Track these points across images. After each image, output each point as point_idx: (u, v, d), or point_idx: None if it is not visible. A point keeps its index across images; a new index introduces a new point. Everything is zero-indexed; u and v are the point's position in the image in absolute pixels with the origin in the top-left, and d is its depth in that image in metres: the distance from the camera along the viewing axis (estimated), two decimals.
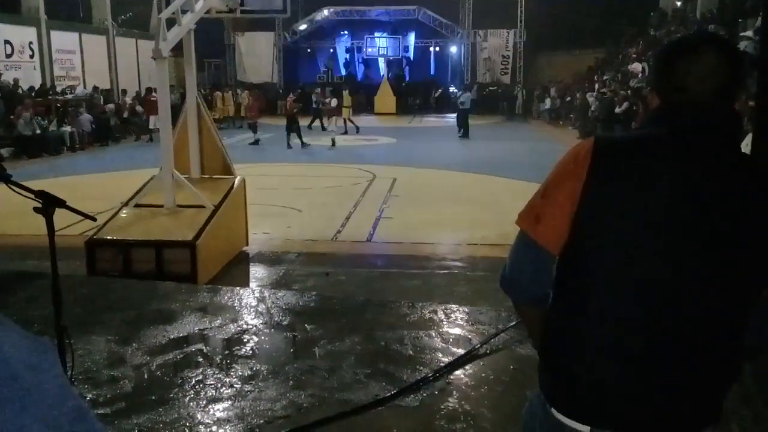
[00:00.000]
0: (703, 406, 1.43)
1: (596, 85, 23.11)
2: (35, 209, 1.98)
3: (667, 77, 1.44)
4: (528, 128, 24.07)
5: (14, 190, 1.82)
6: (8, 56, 18.87)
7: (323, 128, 20.66)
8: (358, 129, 21.64)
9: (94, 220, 2.69)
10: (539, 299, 1.51)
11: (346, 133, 20.98)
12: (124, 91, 23.04)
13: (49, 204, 1.97)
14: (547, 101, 26.77)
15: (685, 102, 1.40)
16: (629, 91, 18.83)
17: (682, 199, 1.34)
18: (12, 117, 16.56)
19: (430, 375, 3.70)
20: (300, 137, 17.76)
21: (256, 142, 18.81)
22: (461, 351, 4.01)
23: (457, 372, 3.78)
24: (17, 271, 6.01)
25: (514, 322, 4.35)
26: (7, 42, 18.78)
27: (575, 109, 23.12)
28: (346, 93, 22.61)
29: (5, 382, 0.59)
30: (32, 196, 1.91)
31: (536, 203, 1.47)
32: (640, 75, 20.53)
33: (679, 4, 25.72)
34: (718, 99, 1.38)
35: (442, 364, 3.83)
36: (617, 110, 18.35)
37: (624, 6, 27.54)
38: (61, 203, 2.00)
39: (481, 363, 3.94)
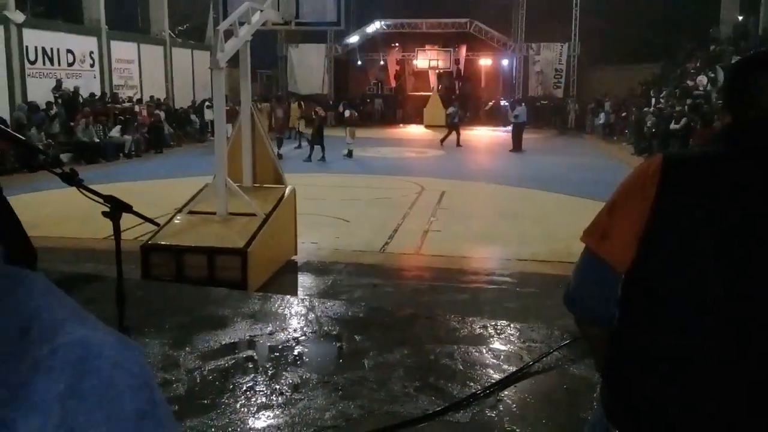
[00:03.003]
0: None
1: (652, 100, 22.63)
2: (104, 213, 2.03)
3: (739, 94, 1.40)
4: (581, 143, 23.67)
5: (85, 194, 1.88)
6: (70, 65, 19.54)
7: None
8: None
9: (158, 225, 2.75)
10: (604, 319, 1.47)
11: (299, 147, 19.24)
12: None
13: (116, 209, 2.02)
14: (601, 116, 26.29)
15: (758, 119, 1.36)
16: (687, 107, 18.37)
17: (755, 218, 1.29)
18: (72, 124, 17.17)
19: (480, 391, 3.65)
20: (311, 149, 17.13)
21: (279, 156, 17.76)
22: (512, 368, 3.94)
23: (508, 389, 3.71)
24: (75, 273, 6.18)
25: (567, 341, 4.26)
26: (69, 51, 19.44)
27: (630, 125, 22.66)
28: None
29: (89, 376, 0.61)
30: (101, 200, 1.97)
31: (603, 220, 1.44)
32: (702, 89, 20.01)
33: (740, 18, 25.04)
34: None
35: (492, 381, 3.78)
36: (674, 126, 17.92)
37: (683, 20, 26.93)
38: (128, 208, 2.05)
39: (533, 381, 3.86)
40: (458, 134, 21.75)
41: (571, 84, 29.95)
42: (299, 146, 19.71)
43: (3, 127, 1.48)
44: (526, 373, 3.92)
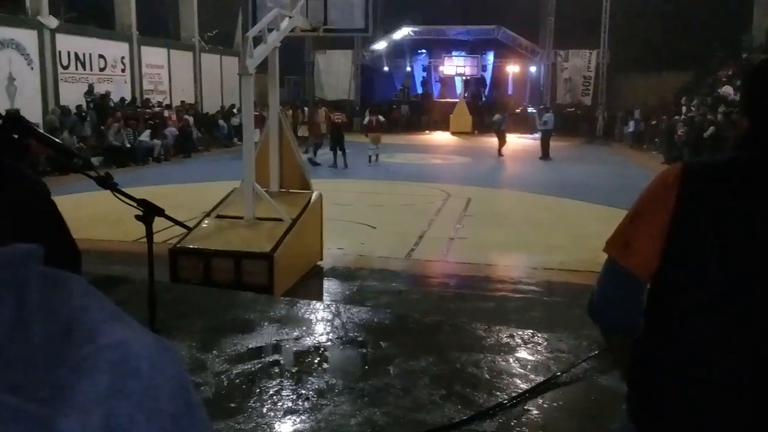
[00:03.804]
0: None
1: (683, 109, 22.31)
2: (137, 217, 2.06)
3: (758, 98, 1.37)
4: (610, 151, 23.39)
5: (119, 198, 1.90)
6: (101, 70, 19.89)
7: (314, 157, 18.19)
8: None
9: (189, 229, 2.77)
10: (629, 328, 1.47)
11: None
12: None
13: (149, 212, 2.05)
14: (631, 124, 25.95)
15: None
16: (719, 116, 18.07)
17: None
18: (103, 128, 17.46)
19: (507, 401, 3.62)
20: (335, 155, 16.96)
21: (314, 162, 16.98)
22: (540, 378, 3.90)
23: (536, 399, 3.67)
24: (105, 275, 6.27)
25: (595, 352, 4.20)
26: (101, 56, 19.80)
27: (660, 133, 22.33)
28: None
29: (129, 377, 0.62)
30: (135, 204, 1.99)
31: (625, 229, 1.45)
32: (730, 98, 19.69)
33: None
34: None
35: (519, 391, 3.74)
36: (705, 135, 17.65)
37: (715, 27, 26.51)
38: (161, 212, 2.07)
39: (561, 392, 3.81)
40: (502, 142, 21.08)
41: (600, 91, 29.63)
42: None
43: (41, 131, 1.50)
44: (554, 383, 3.87)
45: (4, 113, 12.04)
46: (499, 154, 20.70)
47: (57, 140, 1.84)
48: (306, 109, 25.18)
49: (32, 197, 1.27)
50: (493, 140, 21.91)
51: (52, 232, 1.00)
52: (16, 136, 1.52)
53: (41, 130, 1.74)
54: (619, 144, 25.93)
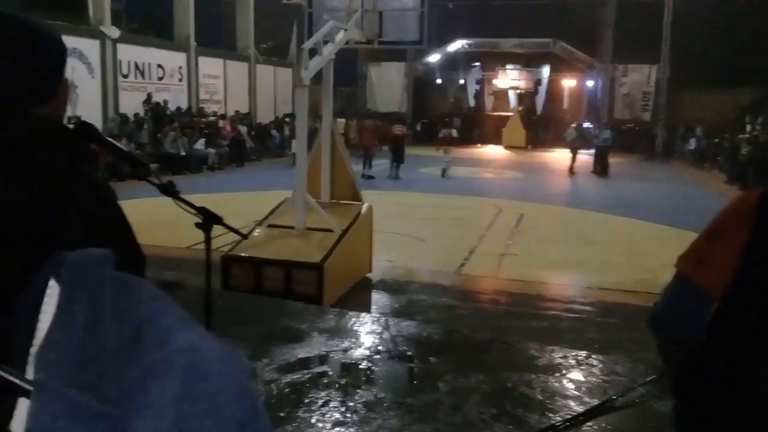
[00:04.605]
0: None
1: (747, 127, 21.56)
2: (197, 225, 2.07)
3: None
4: (669, 169, 22.69)
5: (179, 206, 1.92)
6: (160, 79, 20.43)
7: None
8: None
9: (245, 236, 2.79)
10: (690, 341, 1.49)
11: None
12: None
13: (209, 220, 2.06)
14: (692, 141, 25.17)
15: None
16: None
17: None
18: (159, 135, 17.94)
19: (560, 423, 3.50)
20: (392, 167, 17.23)
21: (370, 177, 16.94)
22: (595, 401, 3.77)
23: (590, 423, 3.55)
24: (159, 279, 6.38)
25: (653, 376, 4.05)
26: (159, 66, 20.36)
27: (723, 152, 21.61)
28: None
29: (200, 382, 0.63)
30: (195, 212, 2.01)
31: (700, 246, 1.48)
32: None
33: None
34: None
35: (573, 413, 3.62)
36: None
37: None
38: (219, 220, 2.08)
39: (616, 416, 3.68)
40: (602, 161, 19.89)
41: (660, 107, 28.85)
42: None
43: (108, 138, 1.53)
44: (609, 407, 3.74)
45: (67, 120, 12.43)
46: (571, 171, 19.67)
47: (123, 147, 1.87)
48: (355, 121, 25.42)
49: (104, 203, 1.29)
50: (547, 155, 21.54)
51: (120, 237, 1.00)
52: (86, 143, 1.54)
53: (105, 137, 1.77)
54: (679, 162, 25.15)
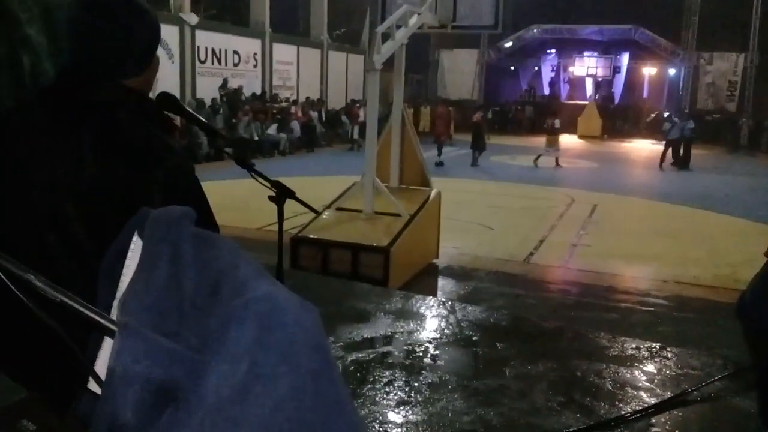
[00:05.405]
0: None
1: None
2: (270, 197, 2.12)
3: None
4: (755, 162, 21.54)
5: (255, 178, 1.98)
6: (235, 65, 20.86)
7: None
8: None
9: (318, 213, 2.83)
10: None
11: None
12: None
13: (282, 194, 2.10)
14: None
15: None
16: None
17: None
18: (234, 120, 18.38)
19: (630, 414, 3.41)
20: (475, 155, 17.45)
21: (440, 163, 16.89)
22: (668, 393, 3.64)
23: (662, 415, 3.43)
24: None
25: (731, 371, 3.88)
26: (235, 52, 20.79)
27: None
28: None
29: (275, 330, 0.65)
30: (268, 185, 2.06)
31: None
32: None
33: None
34: None
35: (645, 405, 3.51)
36: None
37: None
38: (292, 194, 2.12)
39: (691, 409, 3.54)
40: (684, 152, 18.99)
41: (747, 98, 27.37)
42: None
43: (191, 111, 1.59)
44: (683, 400, 3.61)
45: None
46: (661, 165, 18.64)
47: (203, 119, 1.93)
48: (428, 107, 25.27)
49: (184, 173, 1.34)
50: (623, 146, 20.79)
51: (197, 205, 1.04)
52: (168, 114, 1.60)
53: (191, 111, 1.83)
54: (765, 155, 23.88)
